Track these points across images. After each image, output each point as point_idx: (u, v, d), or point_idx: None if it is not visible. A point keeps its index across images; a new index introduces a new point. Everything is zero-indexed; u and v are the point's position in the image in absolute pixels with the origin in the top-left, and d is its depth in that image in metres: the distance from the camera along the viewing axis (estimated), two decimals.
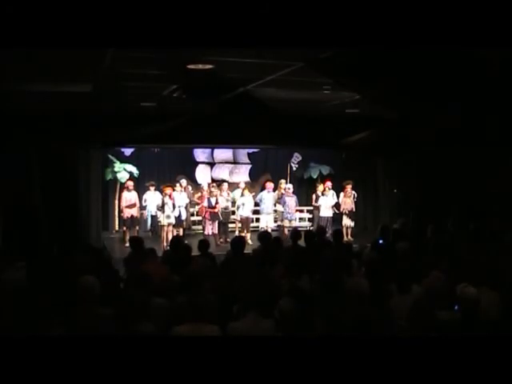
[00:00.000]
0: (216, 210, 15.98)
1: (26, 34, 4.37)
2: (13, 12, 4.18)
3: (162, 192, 15.88)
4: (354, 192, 17.17)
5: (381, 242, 10.38)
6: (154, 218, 16.47)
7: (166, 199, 15.43)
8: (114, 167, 17.52)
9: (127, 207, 16.06)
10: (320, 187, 17.47)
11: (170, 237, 15.06)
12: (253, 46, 5.09)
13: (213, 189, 16.59)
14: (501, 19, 4.56)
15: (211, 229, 15.87)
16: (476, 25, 4.64)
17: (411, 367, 4.03)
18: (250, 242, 15.02)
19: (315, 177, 19.35)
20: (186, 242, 12.45)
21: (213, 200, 15.99)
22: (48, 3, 4.22)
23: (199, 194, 16.86)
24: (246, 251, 9.12)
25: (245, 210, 16.44)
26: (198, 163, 19.42)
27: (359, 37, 4.83)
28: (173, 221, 15.56)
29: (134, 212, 16.10)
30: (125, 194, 16.22)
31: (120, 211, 16.94)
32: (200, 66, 7.68)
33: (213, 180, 18.93)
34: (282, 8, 4.46)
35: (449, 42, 4.90)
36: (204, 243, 9.28)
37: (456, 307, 5.85)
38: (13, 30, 4.31)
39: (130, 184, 16.32)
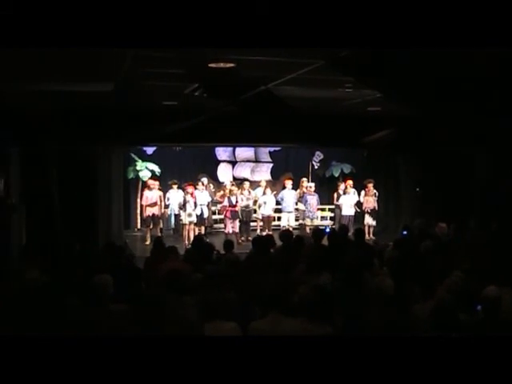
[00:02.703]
0: (236, 209, 16.00)
1: (48, 34, 4.40)
2: (34, 11, 4.21)
3: (184, 190, 15.94)
4: (375, 191, 17.11)
5: (405, 233, 10.38)
6: (176, 216, 16.52)
7: (188, 197, 15.49)
8: (136, 166, 17.63)
9: (148, 206, 16.12)
10: (341, 186, 17.41)
11: (191, 235, 15.17)
12: (270, 45, 5.09)
13: (233, 187, 16.61)
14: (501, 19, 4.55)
15: (232, 227, 15.88)
16: (485, 25, 4.63)
17: (431, 367, 4.00)
18: None
19: (337, 175, 19.31)
20: (207, 240, 12.55)
21: (233, 199, 16.00)
22: (69, 3, 4.26)
23: (221, 193, 16.90)
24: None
25: (266, 208, 16.46)
26: (219, 162, 19.46)
27: (376, 37, 4.82)
28: (194, 219, 15.62)
29: (156, 210, 16.14)
30: (146, 192, 16.29)
31: (141, 210, 17.00)
32: (221, 65, 7.65)
33: (234, 178, 18.94)
34: (300, 8, 4.47)
35: (468, 42, 4.89)
36: (229, 243, 9.44)
37: (478, 307, 5.80)
38: (32, 29, 4.34)
39: (152, 183, 16.38)
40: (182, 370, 3.96)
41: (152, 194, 16.17)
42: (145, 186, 16.76)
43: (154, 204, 16.15)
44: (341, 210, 17.04)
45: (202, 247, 9.13)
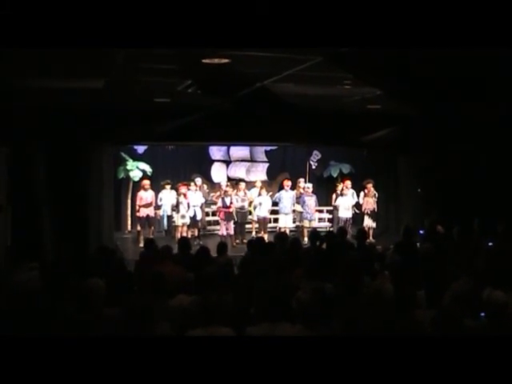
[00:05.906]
0: (230, 210, 15.78)
1: (46, 34, 4.65)
2: (32, 11, 4.43)
3: (177, 191, 15.72)
4: (375, 191, 16.89)
5: (421, 232, 10.31)
6: (169, 217, 16.30)
7: (181, 199, 15.34)
8: (126, 165, 17.40)
9: (143, 206, 15.91)
10: (339, 186, 17.22)
11: None
12: (268, 45, 5.22)
13: (227, 188, 16.42)
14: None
15: (226, 229, 15.64)
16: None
17: (431, 368, 4.04)
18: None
19: (335, 175, 19.14)
20: (201, 242, 12.33)
21: (227, 199, 15.78)
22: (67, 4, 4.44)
23: (218, 194, 16.65)
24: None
25: (262, 210, 16.26)
26: (213, 161, 19.26)
27: (375, 36, 5.01)
28: (188, 221, 15.47)
29: (150, 211, 15.97)
30: (141, 193, 16.09)
31: (135, 210, 16.75)
32: (216, 61, 7.70)
33: (229, 179, 18.69)
34: (298, 7, 4.61)
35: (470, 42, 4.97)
36: (222, 246, 9.41)
37: (483, 313, 5.65)
38: (31, 29, 4.57)
39: (147, 183, 16.21)
40: (179, 371, 4.00)
41: (147, 195, 16.03)
42: (139, 186, 16.55)
43: (149, 204, 16.01)
44: (338, 212, 16.86)
45: (188, 249, 9.10)
